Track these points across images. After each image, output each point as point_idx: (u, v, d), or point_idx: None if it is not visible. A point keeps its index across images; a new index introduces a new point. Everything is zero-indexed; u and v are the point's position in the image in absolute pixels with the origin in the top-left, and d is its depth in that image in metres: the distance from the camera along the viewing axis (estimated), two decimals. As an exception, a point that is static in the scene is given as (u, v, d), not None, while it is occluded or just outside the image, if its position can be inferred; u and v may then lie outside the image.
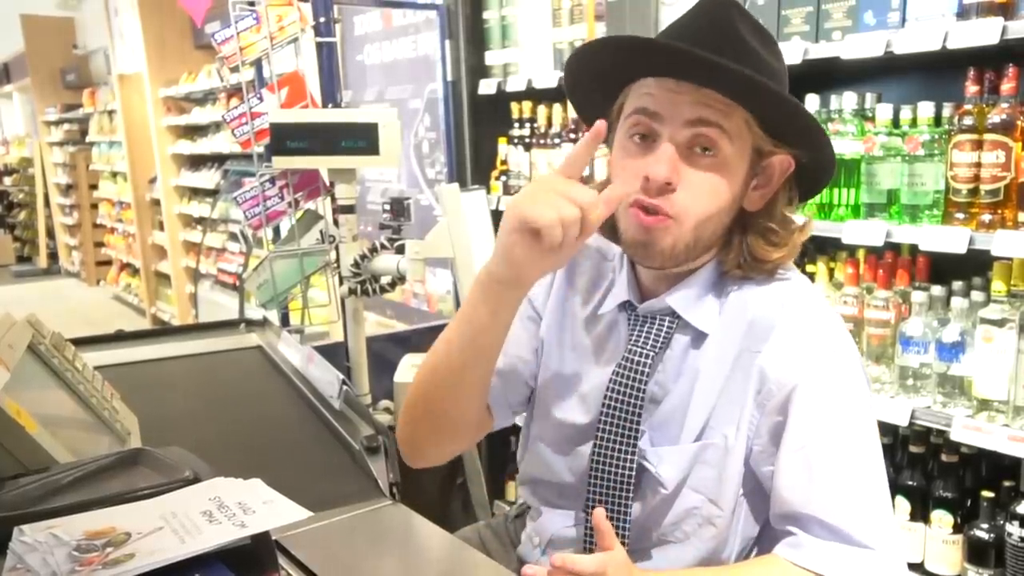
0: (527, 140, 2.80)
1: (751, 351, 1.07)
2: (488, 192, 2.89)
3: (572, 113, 2.64)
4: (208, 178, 6.15)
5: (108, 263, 8.97)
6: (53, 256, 10.47)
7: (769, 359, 1.05)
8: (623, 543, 1.08)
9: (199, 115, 6.17)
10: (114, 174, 8.04)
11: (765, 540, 1.12)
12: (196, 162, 6.51)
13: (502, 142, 2.92)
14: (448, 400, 1.15)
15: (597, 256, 1.22)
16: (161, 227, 7.05)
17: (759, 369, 1.05)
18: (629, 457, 1.10)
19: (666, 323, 1.11)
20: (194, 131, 6.45)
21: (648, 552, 1.14)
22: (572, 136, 2.63)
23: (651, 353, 1.10)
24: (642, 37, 1.04)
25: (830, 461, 1.01)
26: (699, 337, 1.10)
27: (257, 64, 2.21)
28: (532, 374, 1.24)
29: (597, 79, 1.09)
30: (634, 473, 1.10)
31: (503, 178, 2.92)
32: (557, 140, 2.68)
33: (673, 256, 1.06)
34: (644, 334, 1.11)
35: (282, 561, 1.16)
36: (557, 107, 2.69)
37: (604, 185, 1.09)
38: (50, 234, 10.41)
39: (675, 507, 1.10)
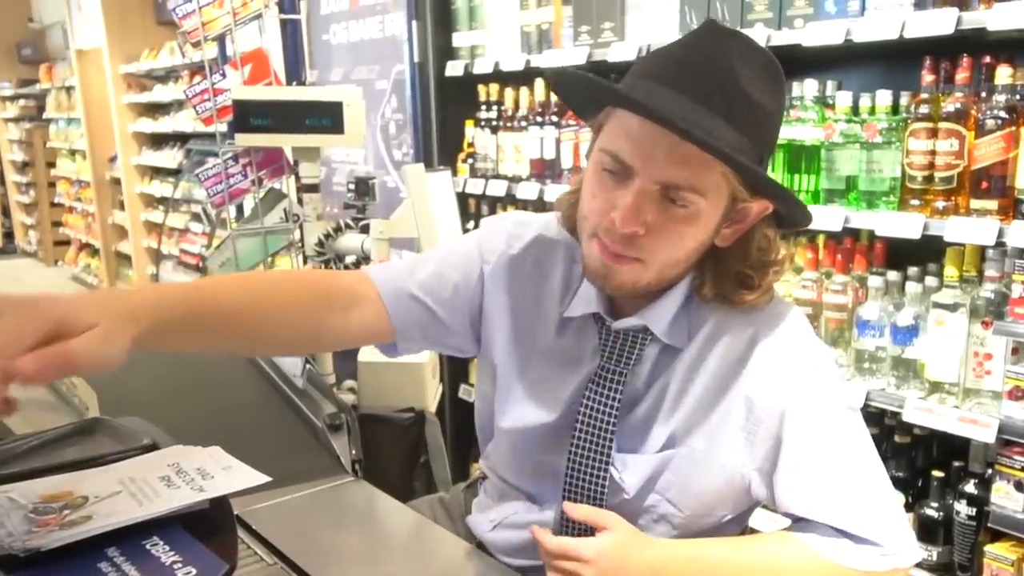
0: (494, 123, 2.80)
1: (730, 374, 1.07)
2: (455, 174, 2.89)
3: (539, 96, 2.65)
4: (170, 157, 6.03)
5: (66, 243, 8.76)
6: (9, 235, 10.22)
7: (753, 385, 1.05)
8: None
9: (161, 93, 6.03)
10: (72, 152, 7.84)
11: None
12: (158, 141, 6.38)
13: (469, 124, 2.92)
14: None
15: (568, 258, 1.18)
16: (121, 206, 6.90)
17: (744, 396, 1.06)
18: (602, 466, 1.11)
19: (639, 338, 1.11)
20: (156, 109, 6.32)
21: None
22: (539, 119, 2.64)
23: (625, 370, 1.11)
24: (628, 95, 0.97)
25: (829, 473, 1.04)
26: (669, 351, 1.10)
27: (220, 41, 2.18)
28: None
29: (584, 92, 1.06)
30: (607, 482, 1.11)
31: (470, 160, 2.92)
32: (524, 123, 2.69)
33: (634, 290, 1.05)
34: (618, 349, 1.12)
35: (244, 535, 1.16)
36: (524, 90, 2.69)
37: (574, 192, 1.10)
38: (5, 212, 10.14)
39: (632, 505, 1.12)
